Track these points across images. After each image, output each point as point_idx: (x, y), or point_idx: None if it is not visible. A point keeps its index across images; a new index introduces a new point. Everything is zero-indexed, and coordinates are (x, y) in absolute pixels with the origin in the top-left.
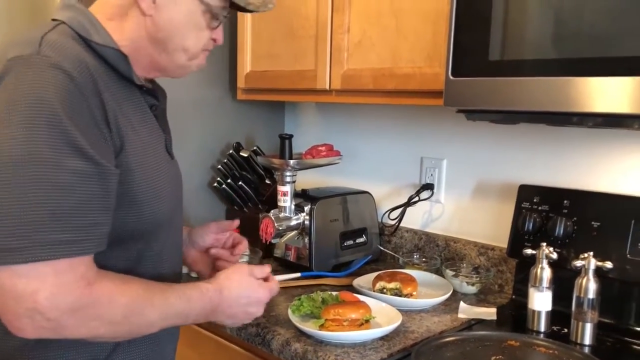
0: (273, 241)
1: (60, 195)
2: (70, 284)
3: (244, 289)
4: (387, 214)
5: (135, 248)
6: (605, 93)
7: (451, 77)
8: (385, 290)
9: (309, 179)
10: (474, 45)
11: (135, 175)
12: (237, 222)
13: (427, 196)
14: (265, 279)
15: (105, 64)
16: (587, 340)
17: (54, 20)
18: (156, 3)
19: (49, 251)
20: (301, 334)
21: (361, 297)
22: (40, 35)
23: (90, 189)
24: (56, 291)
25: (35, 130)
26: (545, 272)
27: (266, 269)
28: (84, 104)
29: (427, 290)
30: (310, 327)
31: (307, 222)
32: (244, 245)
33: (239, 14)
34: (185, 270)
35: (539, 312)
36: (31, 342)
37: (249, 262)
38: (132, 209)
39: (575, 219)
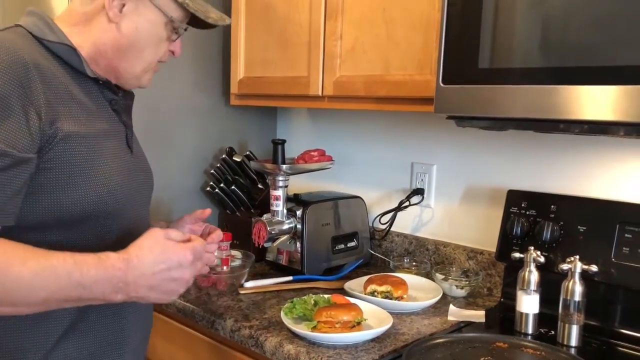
0: (265, 245)
1: None
2: None
3: (158, 254)
4: (378, 218)
5: (85, 233)
6: (591, 101)
7: (442, 85)
8: (376, 293)
9: (301, 184)
10: (464, 53)
11: (74, 163)
12: (208, 211)
13: (417, 201)
14: (188, 241)
15: (59, 60)
16: (574, 342)
17: (16, 25)
18: (122, 12)
19: None
20: (294, 336)
21: (353, 300)
22: None
23: None
24: None
25: None
26: (532, 276)
27: (184, 232)
28: (6, 93)
29: (417, 294)
30: (302, 329)
31: (299, 226)
32: (217, 234)
33: (234, 19)
34: None
35: (527, 315)
36: None
37: (242, 267)
38: (71, 195)
39: (562, 223)
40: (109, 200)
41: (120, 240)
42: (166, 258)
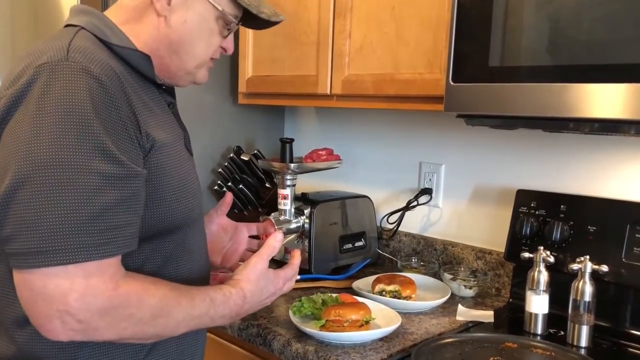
0: None
1: (89, 198)
2: (100, 286)
3: (263, 287)
4: (385, 218)
5: (172, 244)
6: (602, 99)
7: (451, 83)
8: (384, 292)
9: (308, 183)
10: (474, 52)
11: (166, 173)
12: (229, 196)
13: (425, 201)
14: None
15: (126, 65)
16: (584, 342)
17: (69, 25)
18: (171, 5)
19: (79, 254)
20: (302, 335)
21: (361, 299)
22: (67, 42)
23: (119, 191)
24: (86, 292)
25: (64, 135)
26: (542, 276)
27: (212, 229)
28: (113, 107)
29: (425, 293)
30: (311, 328)
31: (306, 226)
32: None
33: None
34: None
35: (536, 315)
36: (73, 345)
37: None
38: (165, 205)
39: (571, 223)
40: (195, 208)
41: (198, 246)
42: (268, 290)
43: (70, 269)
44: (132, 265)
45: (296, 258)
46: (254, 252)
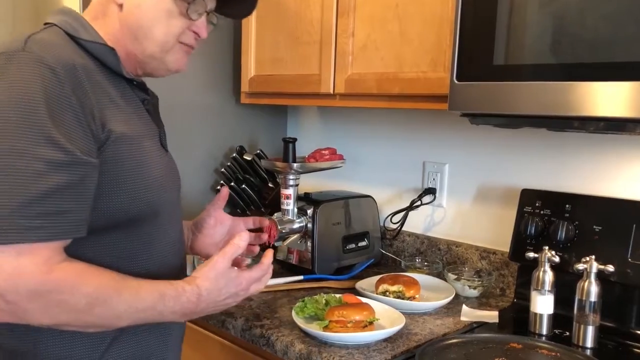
0: (276, 244)
1: (29, 183)
2: (31, 268)
3: (222, 287)
4: (389, 217)
5: (132, 238)
6: (607, 97)
7: (456, 82)
8: (388, 293)
9: (311, 183)
10: (478, 50)
11: (124, 165)
12: (225, 190)
13: (429, 200)
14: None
15: (95, 60)
16: (589, 343)
17: (46, 24)
18: None
19: (12, 235)
20: (305, 335)
21: (364, 300)
22: (28, 35)
23: (61, 177)
24: (15, 273)
25: (9, 121)
26: (547, 276)
27: (210, 223)
28: (64, 97)
29: (429, 294)
30: (314, 329)
31: (309, 225)
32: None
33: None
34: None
35: (541, 315)
36: (37, 330)
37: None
38: (121, 198)
39: (577, 223)
40: (158, 201)
41: (164, 241)
42: (228, 290)
43: (3, 249)
44: (88, 257)
45: (267, 257)
46: (250, 245)
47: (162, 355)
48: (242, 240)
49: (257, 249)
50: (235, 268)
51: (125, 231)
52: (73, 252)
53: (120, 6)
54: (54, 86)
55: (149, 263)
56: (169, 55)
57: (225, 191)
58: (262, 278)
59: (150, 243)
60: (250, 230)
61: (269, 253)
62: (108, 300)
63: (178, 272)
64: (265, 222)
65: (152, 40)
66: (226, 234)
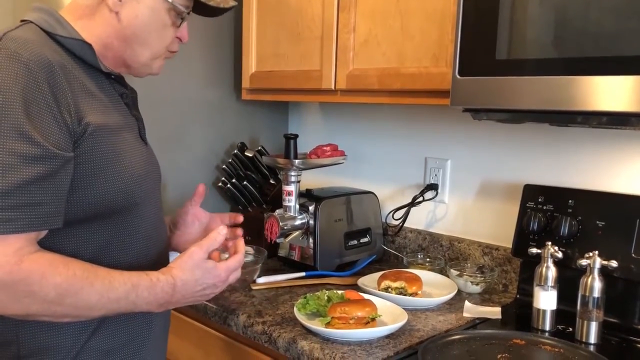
0: (278, 241)
1: (1, 176)
2: (0, 259)
3: (199, 276)
4: (391, 214)
5: (109, 229)
6: (611, 92)
7: (458, 77)
8: (390, 289)
9: (313, 179)
10: (480, 45)
11: (101, 157)
12: (201, 187)
13: (431, 196)
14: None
15: (71, 55)
16: (592, 339)
17: (22, 21)
18: (122, 0)
19: None
20: (307, 332)
21: (366, 296)
22: (3, 32)
23: (32, 171)
24: None
25: None
26: (550, 271)
27: (187, 220)
28: (38, 91)
29: (431, 290)
30: (316, 325)
31: (311, 222)
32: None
33: (245, 13)
34: None
35: (544, 311)
36: (19, 320)
37: (255, 262)
38: (98, 189)
39: (580, 218)
40: (137, 191)
41: (143, 232)
42: (205, 280)
43: None
44: (68, 249)
45: (240, 247)
46: (226, 241)
47: (143, 344)
48: (219, 234)
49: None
50: (212, 260)
51: (105, 222)
52: (52, 244)
53: (116, 14)
54: (28, 82)
55: (128, 254)
56: (157, 62)
57: (201, 188)
58: (238, 268)
59: (129, 234)
60: (228, 226)
61: (241, 242)
62: (79, 290)
63: (159, 263)
64: (240, 218)
65: (147, 50)
66: (203, 231)
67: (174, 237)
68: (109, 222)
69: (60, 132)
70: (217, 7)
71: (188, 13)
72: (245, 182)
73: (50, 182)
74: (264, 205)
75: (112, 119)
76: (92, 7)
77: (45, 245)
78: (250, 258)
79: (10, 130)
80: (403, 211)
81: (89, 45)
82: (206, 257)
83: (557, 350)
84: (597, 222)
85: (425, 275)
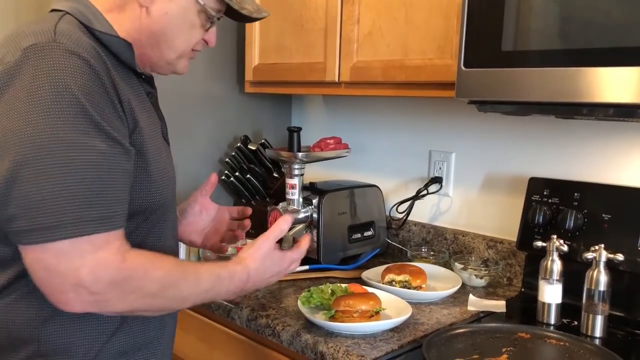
0: None
1: (92, 175)
2: (109, 258)
3: (268, 266)
4: (395, 207)
5: (142, 226)
6: (617, 83)
7: (463, 68)
8: (394, 282)
9: (316, 172)
10: (486, 36)
11: (147, 154)
12: (213, 176)
13: (435, 189)
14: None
15: (107, 51)
16: (598, 332)
17: (54, 10)
18: None
19: (87, 226)
20: (311, 325)
21: (370, 290)
22: (53, 25)
23: (116, 166)
24: (96, 266)
25: (59, 115)
26: (555, 265)
27: (195, 209)
28: (101, 87)
29: (435, 283)
30: (320, 319)
31: (315, 215)
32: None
33: None
34: None
35: (549, 305)
36: (42, 318)
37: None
38: (144, 186)
39: (585, 211)
40: (168, 192)
41: (170, 230)
42: (272, 269)
43: (79, 243)
44: None
45: (305, 241)
46: (233, 232)
47: (158, 345)
48: (285, 222)
49: (242, 234)
50: (278, 250)
51: (143, 220)
52: None
53: (146, 9)
54: (90, 78)
55: (161, 251)
56: (181, 62)
57: (214, 178)
58: (299, 259)
59: (161, 231)
60: (234, 219)
61: (307, 237)
62: (176, 282)
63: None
64: (249, 211)
65: (173, 49)
66: (211, 221)
67: (179, 226)
68: (148, 220)
69: (123, 127)
70: (249, 17)
71: (218, 18)
72: (248, 176)
73: (127, 177)
74: (267, 199)
75: (146, 119)
76: (123, 0)
77: None
78: (231, 250)
79: (88, 128)
80: (407, 204)
81: (129, 44)
82: (273, 246)
83: (562, 343)
84: (603, 215)
85: (429, 268)
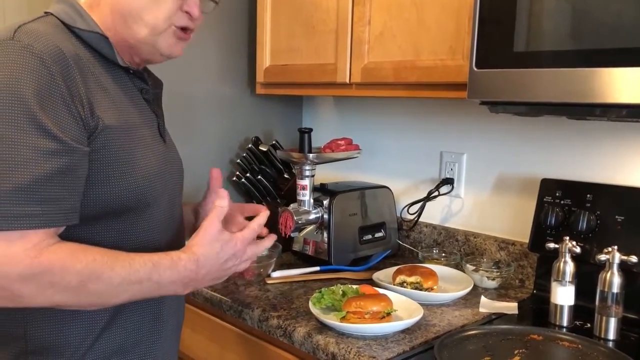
0: (292, 235)
1: (18, 171)
2: (20, 254)
3: (218, 250)
4: (406, 208)
5: (125, 223)
6: (630, 84)
7: (475, 69)
8: (405, 284)
9: (327, 173)
10: (498, 37)
11: (114, 154)
12: (217, 171)
13: (446, 191)
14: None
15: (90, 49)
16: (611, 335)
17: (46, 12)
18: None
19: (4, 223)
20: (323, 327)
21: (381, 291)
22: (19, 24)
23: (51, 165)
24: (3, 261)
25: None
26: (568, 266)
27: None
28: (54, 85)
29: (447, 285)
30: (331, 320)
31: (325, 216)
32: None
33: (259, 7)
34: None
35: (562, 307)
36: (27, 315)
37: (269, 257)
38: (115, 185)
39: (598, 212)
40: (149, 190)
41: (158, 228)
42: (225, 252)
43: None
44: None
45: (261, 217)
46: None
47: (153, 344)
48: (223, 200)
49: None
50: (226, 231)
51: (117, 220)
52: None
53: None
54: (42, 74)
55: (141, 251)
56: (161, 40)
57: (214, 172)
58: (259, 242)
59: (142, 231)
60: (246, 218)
61: (264, 211)
62: (101, 275)
63: None
64: (260, 209)
65: (143, 24)
66: (224, 222)
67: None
68: (122, 219)
69: (77, 126)
70: None
71: None
72: (259, 177)
73: (70, 176)
74: (278, 200)
75: (127, 116)
76: None
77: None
78: (264, 252)
79: (28, 125)
80: (418, 206)
81: (106, 38)
82: (220, 227)
83: (575, 346)
84: (616, 216)
85: (440, 270)
